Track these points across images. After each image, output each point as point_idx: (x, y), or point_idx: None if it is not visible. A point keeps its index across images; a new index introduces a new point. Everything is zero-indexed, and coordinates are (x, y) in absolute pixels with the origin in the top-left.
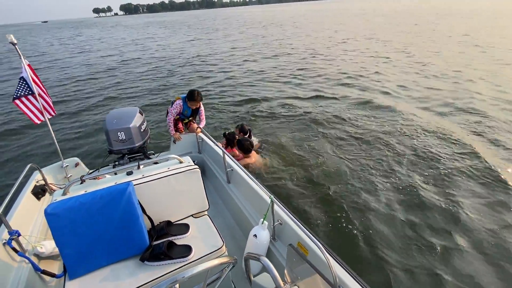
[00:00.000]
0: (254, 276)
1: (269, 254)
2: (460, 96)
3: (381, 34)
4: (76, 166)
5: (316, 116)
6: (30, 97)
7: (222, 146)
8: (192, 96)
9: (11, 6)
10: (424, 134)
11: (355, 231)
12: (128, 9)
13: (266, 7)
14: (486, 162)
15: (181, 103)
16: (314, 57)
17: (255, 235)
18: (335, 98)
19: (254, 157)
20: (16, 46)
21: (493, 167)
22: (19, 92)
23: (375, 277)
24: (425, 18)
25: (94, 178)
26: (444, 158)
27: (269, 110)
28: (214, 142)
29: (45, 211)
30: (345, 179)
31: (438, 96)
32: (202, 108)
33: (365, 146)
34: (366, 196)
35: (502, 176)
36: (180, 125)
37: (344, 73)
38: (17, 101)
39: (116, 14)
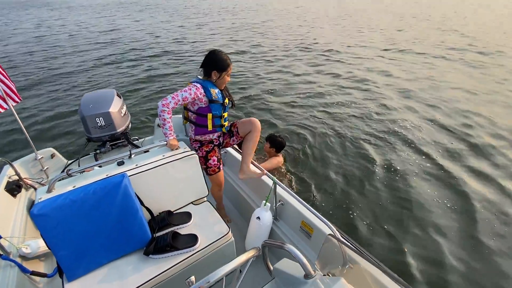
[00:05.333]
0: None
1: (272, 234)
2: None
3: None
4: (52, 157)
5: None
6: None
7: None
8: (222, 62)
9: None
10: None
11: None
12: None
13: None
14: None
15: (199, 85)
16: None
17: (258, 218)
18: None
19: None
20: None
21: None
22: None
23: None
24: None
25: (82, 171)
26: None
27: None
28: None
29: (31, 213)
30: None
31: None
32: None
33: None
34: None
35: None
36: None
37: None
38: None
39: None
